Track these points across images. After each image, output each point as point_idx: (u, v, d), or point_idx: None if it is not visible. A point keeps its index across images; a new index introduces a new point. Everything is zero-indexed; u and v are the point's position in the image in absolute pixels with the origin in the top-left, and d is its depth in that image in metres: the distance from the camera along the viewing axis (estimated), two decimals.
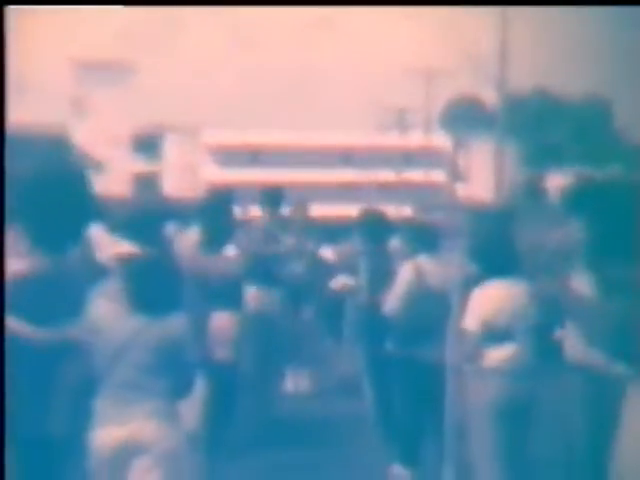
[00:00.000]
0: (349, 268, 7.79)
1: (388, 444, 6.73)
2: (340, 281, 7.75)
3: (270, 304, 7.47)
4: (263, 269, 7.30)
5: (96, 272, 4.71)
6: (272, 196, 7.94)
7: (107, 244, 5.26)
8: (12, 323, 2.79)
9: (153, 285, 3.87)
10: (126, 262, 3.95)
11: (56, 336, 2.83)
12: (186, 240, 6.55)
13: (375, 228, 7.42)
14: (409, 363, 6.35)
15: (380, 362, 7.05)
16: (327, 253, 8.47)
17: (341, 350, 9.46)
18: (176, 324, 3.91)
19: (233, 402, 6.46)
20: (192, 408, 4.05)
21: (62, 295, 2.92)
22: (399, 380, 6.54)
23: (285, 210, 8.32)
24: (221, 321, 6.22)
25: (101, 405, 3.82)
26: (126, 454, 3.83)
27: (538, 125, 45.87)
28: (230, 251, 6.54)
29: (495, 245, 5.26)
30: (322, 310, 8.73)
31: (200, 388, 4.02)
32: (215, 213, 6.62)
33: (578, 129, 45.54)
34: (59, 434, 3.07)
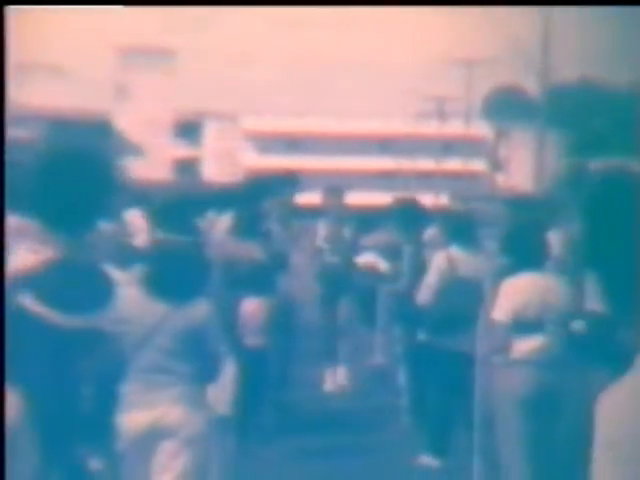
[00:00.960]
0: (386, 256, 7.78)
1: (418, 433, 6.73)
2: (366, 259, 7.74)
3: (304, 292, 7.49)
4: (297, 257, 7.31)
5: (129, 256, 4.76)
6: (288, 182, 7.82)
7: (142, 229, 5.32)
8: (41, 309, 2.82)
9: (183, 271, 3.91)
10: (159, 247, 3.99)
11: (85, 323, 2.86)
12: (220, 226, 6.58)
13: (410, 216, 7.40)
14: (441, 353, 6.33)
15: (412, 351, 7.04)
16: (364, 241, 8.45)
17: (374, 339, 9.45)
18: (203, 310, 3.95)
19: (262, 388, 6.50)
20: (220, 393, 4.09)
21: (93, 280, 2.94)
22: (431, 370, 6.53)
23: (321, 197, 8.29)
24: (251, 307, 6.26)
25: (128, 389, 3.87)
26: (153, 438, 3.87)
27: (581, 115, 45.32)
28: (263, 238, 6.57)
29: (529, 236, 5.23)
30: (356, 299, 8.73)
31: (228, 373, 4.05)
32: (250, 199, 6.65)
33: (621, 119, 44.90)
34: (86, 418, 3.11)
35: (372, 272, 7.68)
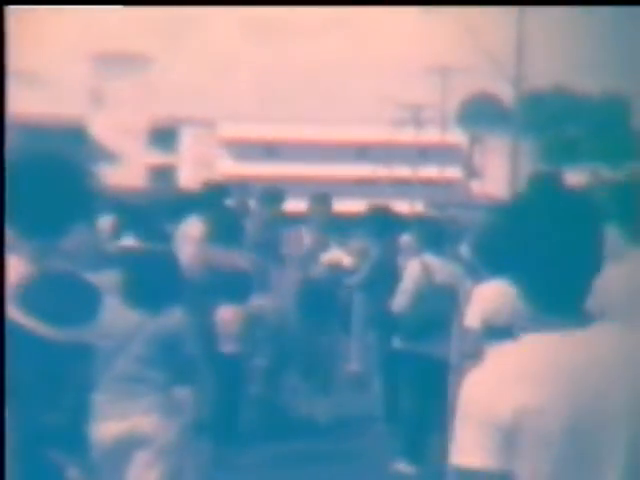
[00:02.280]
0: (359, 263, 7.81)
1: (393, 439, 6.75)
2: (331, 256, 7.75)
3: (278, 299, 7.50)
4: (271, 264, 7.32)
5: (101, 265, 4.75)
6: (273, 194, 7.92)
7: (115, 237, 5.30)
8: (25, 320, 2.81)
9: (155, 278, 3.90)
10: (130, 255, 3.98)
11: (76, 335, 2.85)
12: (191, 231, 6.58)
13: (383, 223, 7.45)
14: (416, 359, 6.36)
15: (387, 358, 7.07)
16: (339, 248, 8.46)
17: (350, 345, 9.47)
18: (177, 317, 3.95)
19: (238, 395, 6.50)
20: (194, 401, 4.08)
21: (70, 290, 2.93)
22: (405, 376, 6.56)
23: (308, 204, 8.25)
24: (227, 314, 6.26)
25: (101, 399, 3.86)
26: (127, 448, 3.86)
27: (555, 122, 45.67)
28: (238, 244, 6.57)
29: (501, 242, 5.27)
30: (330, 305, 8.75)
31: (201, 381, 4.05)
32: (225, 205, 6.66)
33: (595, 126, 45.31)
34: (60, 428, 3.10)
35: (336, 267, 7.69)
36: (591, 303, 1.93)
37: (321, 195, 8.33)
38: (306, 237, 8.08)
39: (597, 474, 1.81)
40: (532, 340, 1.90)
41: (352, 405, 8.06)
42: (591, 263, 1.91)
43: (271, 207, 7.58)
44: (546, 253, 1.91)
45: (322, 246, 7.90)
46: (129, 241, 4.02)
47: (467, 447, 1.86)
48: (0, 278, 2.72)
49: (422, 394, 6.37)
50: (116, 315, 3.87)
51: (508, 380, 1.84)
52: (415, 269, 6.48)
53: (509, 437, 1.81)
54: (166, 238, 4.17)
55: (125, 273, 3.92)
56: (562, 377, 1.85)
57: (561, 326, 1.88)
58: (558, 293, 1.88)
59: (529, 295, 1.91)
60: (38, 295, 2.85)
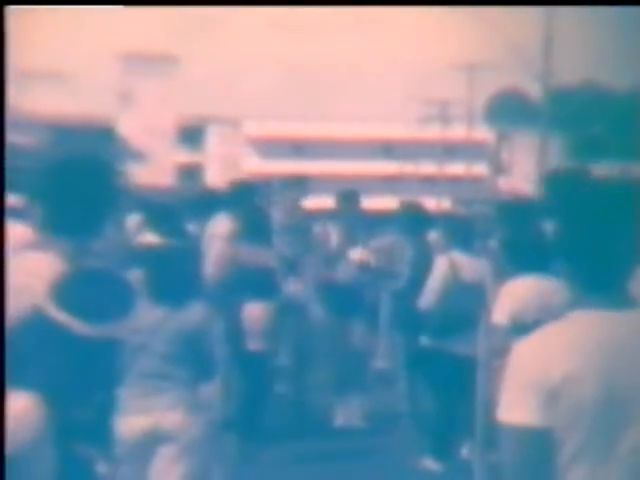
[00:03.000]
0: (389, 260, 7.77)
1: (420, 437, 6.74)
2: (358, 254, 7.71)
3: (305, 296, 7.50)
4: (298, 260, 7.31)
5: (128, 262, 4.78)
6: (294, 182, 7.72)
7: (142, 234, 5.34)
8: (65, 318, 2.83)
9: (177, 275, 3.93)
10: (156, 251, 4.01)
11: (109, 331, 2.87)
12: (219, 229, 6.58)
13: (414, 220, 7.42)
14: (443, 356, 6.35)
15: (415, 355, 7.05)
16: (370, 246, 8.41)
17: (377, 343, 9.46)
18: (199, 313, 3.97)
19: (264, 392, 6.51)
20: (218, 397, 4.10)
21: (105, 286, 2.96)
22: (433, 373, 6.54)
23: (335, 201, 8.16)
24: (254, 311, 6.27)
25: (127, 394, 3.89)
26: (151, 443, 3.89)
27: (583, 118, 45.34)
28: (266, 242, 6.58)
29: (530, 239, 5.25)
30: (357, 303, 8.74)
31: (226, 378, 4.06)
32: (253, 203, 6.67)
33: (623, 122, 44.90)
34: (90, 423, 3.13)
35: (363, 267, 7.66)
36: (632, 286, 2.18)
37: (348, 192, 8.29)
38: (333, 234, 8.06)
39: (622, 442, 2.09)
40: (579, 317, 2.16)
41: (379, 402, 8.05)
42: (628, 249, 2.16)
43: (293, 194, 7.45)
44: (585, 242, 2.17)
45: (349, 243, 7.87)
46: (151, 238, 4.06)
47: (515, 405, 2.11)
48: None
49: (449, 391, 6.35)
50: (141, 311, 3.90)
51: (556, 350, 2.11)
52: (443, 266, 6.46)
53: (552, 400, 2.07)
54: (188, 235, 4.21)
55: (148, 269, 3.95)
56: (602, 351, 2.10)
57: (604, 306, 2.14)
58: (601, 277, 2.15)
59: (575, 280, 2.18)
60: (73, 291, 2.87)
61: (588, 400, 2.08)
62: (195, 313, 3.91)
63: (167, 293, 3.88)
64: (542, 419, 2.07)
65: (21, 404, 2.67)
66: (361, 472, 6.23)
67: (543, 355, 2.12)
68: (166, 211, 4.48)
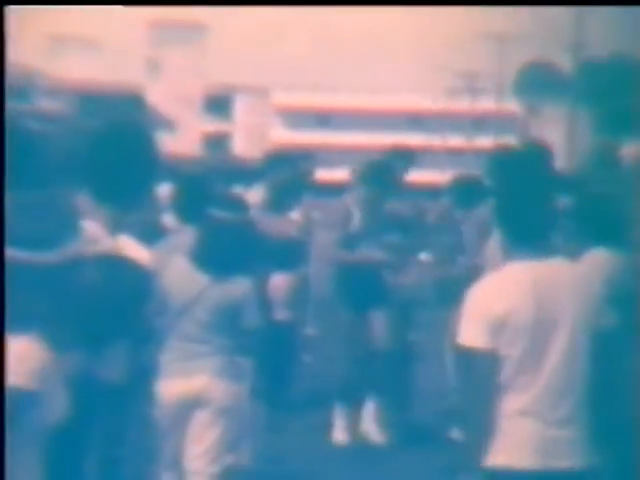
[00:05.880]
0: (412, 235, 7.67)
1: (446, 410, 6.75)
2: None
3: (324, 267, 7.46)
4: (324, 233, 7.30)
5: (159, 230, 4.81)
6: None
7: (169, 204, 5.36)
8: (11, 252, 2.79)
9: (229, 246, 3.96)
10: (210, 220, 4.04)
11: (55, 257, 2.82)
12: (252, 199, 6.59)
13: (469, 193, 7.19)
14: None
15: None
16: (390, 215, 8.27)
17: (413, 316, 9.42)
18: (242, 287, 4.00)
19: (291, 361, 6.56)
20: (251, 367, 4.15)
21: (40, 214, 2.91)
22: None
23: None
24: (279, 282, 6.30)
25: (165, 358, 3.94)
26: (188, 407, 3.95)
27: (614, 91, 44.80)
28: (295, 212, 6.59)
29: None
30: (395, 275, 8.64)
31: (259, 348, 4.11)
32: (282, 174, 6.67)
33: None
34: (122, 382, 3.17)
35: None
36: (553, 240, 2.88)
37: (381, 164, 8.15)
38: (355, 210, 7.96)
39: (550, 356, 2.79)
40: (515, 266, 2.85)
41: (401, 373, 8.04)
42: (548, 213, 2.88)
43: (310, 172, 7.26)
44: (516, 209, 2.86)
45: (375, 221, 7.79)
46: (213, 209, 4.07)
47: (469, 333, 2.79)
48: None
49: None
50: (185, 276, 3.94)
51: (499, 290, 2.81)
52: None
53: (498, 328, 2.76)
54: (246, 208, 4.22)
55: (201, 236, 3.98)
56: (534, 289, 2.79)
57: (534, 256, 2.84)
58: (530, 235, 2.85)
59: (510, 239, 2.87)
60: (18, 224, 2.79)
61: (524, 326, 2.75)
62: (240, 287, 3.94)
63: (215, 261, 3.90)
64: (488, 342, 2.75)
65: (21, 345, 2.69)
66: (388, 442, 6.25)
67: (490, 295, 2.80)
68: (216, 183, 4.50)
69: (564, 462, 2.75)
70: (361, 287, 6.15)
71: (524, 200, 2.82)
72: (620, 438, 3.05)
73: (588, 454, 2.80)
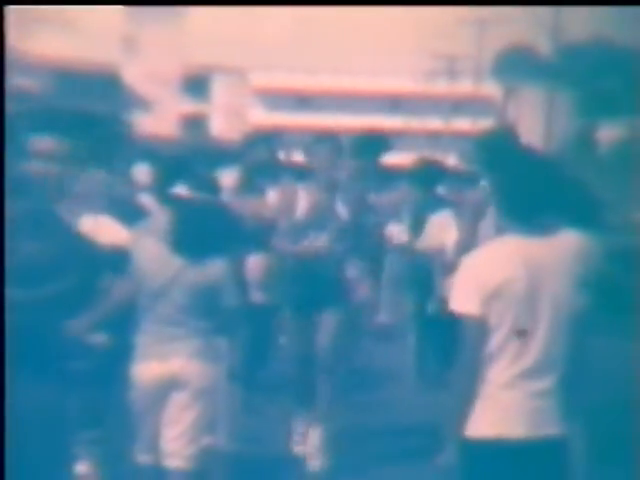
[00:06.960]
0: (395, 216, 7.71)
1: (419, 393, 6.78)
2: (395, 231, 7.58)
3: (309, 247, 7.43)
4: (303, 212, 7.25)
5: (135, 211, 4.76)
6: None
7: (148, 184, 5.32)
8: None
9: (203, 228, 3.93)
10: (182, 202, 4.02)
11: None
12: (226, 182, 6.56)
13: (432, 176, 7.27)
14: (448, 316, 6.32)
15: (421, 313, 7.05)
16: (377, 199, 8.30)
17: (381, 297, 9.47)
18: (218, 269, 3.98)
19: (267, 344, 6.55)
20: (228, 349, 4.13)
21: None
22: (437, 333, 6.54)
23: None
24: (255, 264, 6.29)
25: (142, 340, 3.92)
26: (164, 389, 3.93)
27: (592, 74, 44.94)
28: (270, 194, 6.55)
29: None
30: (364, 257, 8.69)
31: (236, 330, 4.09)
32: (257, 156, 6.64)
33: (634, 79, 44.50)
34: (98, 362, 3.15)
35: (395, 243, 7.51)
36: (546, 219, 3.03)
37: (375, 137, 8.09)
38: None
39: (537, 331, 2.92)
40: (508, 240, 3.01)
41: (384, 356, 8.10)
42: (544, 194, 3.02)
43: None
44: (512, 191, 3.00)
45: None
46: (182, 189, 4.06)
47: (462, 300, 2.93)
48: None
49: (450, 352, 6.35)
50: (159, 259, 3.91)
51: (495, 261, 2.95)
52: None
53: (491, 297, 2.90)
54: (219, 190, 4.21)
55: (175, 219, 3.95)
56: (526, 263, 2.93)
57: (527, 233, 2.99)
58: (524, 213, 2.98)
59: (507, 216, 3.00)
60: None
61: (516, 297, 2.90)
62: (215, 268, 3.92)
63: (190, 244, 3.88)
64: (481, 311, 2.88)
65: None
66: (373, 424, 6.27)
67: (484, 264, 2.94)
68: (188, 163, 4.47)
69: (549, 430, 2.89)
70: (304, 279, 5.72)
71: (516, 179, 2.96)
72: (592, 409, 3.27)
73: (569, 423, 2.95)
